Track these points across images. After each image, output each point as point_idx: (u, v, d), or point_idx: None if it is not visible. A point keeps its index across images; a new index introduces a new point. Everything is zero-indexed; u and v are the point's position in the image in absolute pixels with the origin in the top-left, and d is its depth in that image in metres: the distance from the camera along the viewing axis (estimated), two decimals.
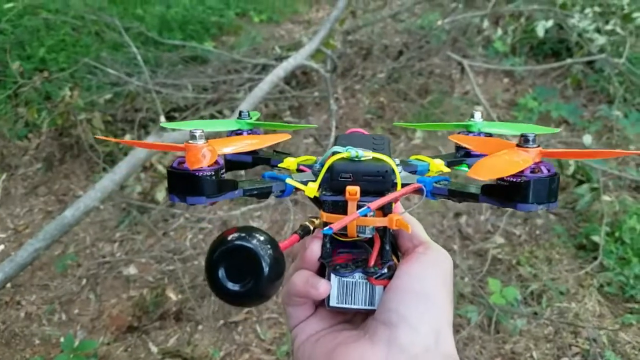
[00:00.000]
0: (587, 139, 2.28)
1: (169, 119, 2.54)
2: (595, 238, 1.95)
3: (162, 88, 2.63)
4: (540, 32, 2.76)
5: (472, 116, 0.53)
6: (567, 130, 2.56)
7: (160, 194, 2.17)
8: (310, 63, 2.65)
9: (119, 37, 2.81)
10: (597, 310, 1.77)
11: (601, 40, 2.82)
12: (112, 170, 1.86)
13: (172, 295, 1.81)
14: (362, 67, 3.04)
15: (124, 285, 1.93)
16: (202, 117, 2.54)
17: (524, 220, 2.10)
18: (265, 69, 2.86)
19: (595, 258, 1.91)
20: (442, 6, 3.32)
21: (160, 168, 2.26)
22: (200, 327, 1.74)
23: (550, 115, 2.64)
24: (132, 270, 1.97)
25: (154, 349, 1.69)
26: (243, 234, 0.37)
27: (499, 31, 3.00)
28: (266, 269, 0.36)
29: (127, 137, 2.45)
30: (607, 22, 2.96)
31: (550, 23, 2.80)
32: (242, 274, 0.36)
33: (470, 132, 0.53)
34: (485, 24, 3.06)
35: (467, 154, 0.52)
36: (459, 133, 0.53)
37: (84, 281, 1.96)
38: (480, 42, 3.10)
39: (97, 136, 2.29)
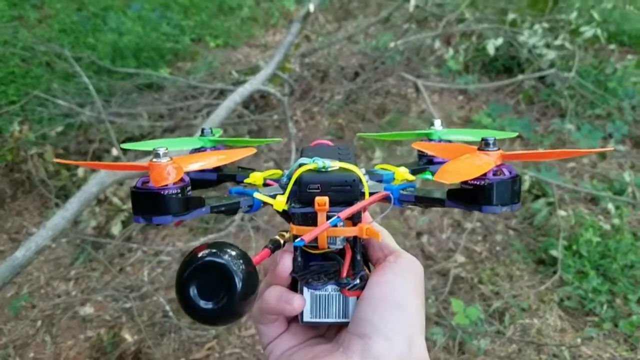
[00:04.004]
0: None
1: (124, 149, 2.48)
2: (554, 252, 1.98)
3: (116, 117, 2.58)
4: (490, 50, 2.82)
5: (432, 124, 0.54)
6: (522, 145, 2.61)
7: (116, 228, 2.11)
8: (266, 88, 2.64)
9: (70, 67, 2.75)
10: (558, 325, 1.78)
11: (551, 55, 2.89)
12: (64, 207, 1.80)
13: (129, 336, 1.74)
14: (320, 89, 3.04)
15: (80, 325, 1.86)
16: None
17: (484, 237, 2.11)
18: (223, 93, 2.83)
19: (554, 272, 1.93)
20: (395, 27, 3.36)
21: (116, 200, 2.20)
22: None
23: (505, 130, 2.68)
24: (88, 309, 1.90)
25: None
26: (214, 250, 0.36)
27: (451, 50, 3.04)
28: (239, 285, 0.35)
29: (81, 170, 2.38)
30: (556, 38, 3.04)
31: (500, 41, 2.86)
32: (214, 291, 0.35)
33: (431, 140, 0.54)
34: (437, 44, 3.11)
35: (430, 161, 0.53)
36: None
37: (39, 323, 1.89)
38: (433, 61, 3.15)
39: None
